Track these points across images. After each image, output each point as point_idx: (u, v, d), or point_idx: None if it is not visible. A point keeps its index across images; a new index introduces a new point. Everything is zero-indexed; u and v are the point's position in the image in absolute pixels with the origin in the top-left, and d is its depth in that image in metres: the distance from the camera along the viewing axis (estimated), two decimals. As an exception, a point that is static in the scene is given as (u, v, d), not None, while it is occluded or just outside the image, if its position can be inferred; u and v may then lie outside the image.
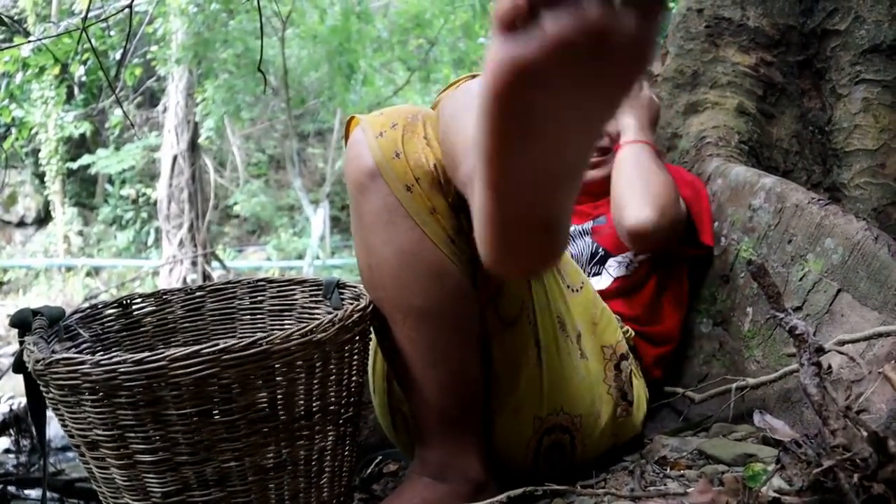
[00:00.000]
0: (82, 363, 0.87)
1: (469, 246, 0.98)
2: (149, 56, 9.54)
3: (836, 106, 1.71)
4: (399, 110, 1.02)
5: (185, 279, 9.95)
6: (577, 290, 1.19)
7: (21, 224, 11.45)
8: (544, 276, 1.12)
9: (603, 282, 1.53)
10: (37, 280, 10.40)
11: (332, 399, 0.99)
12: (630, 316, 1.49)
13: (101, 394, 0.87)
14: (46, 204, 11.24)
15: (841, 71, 1.71)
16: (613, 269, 1.54)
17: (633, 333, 1.43)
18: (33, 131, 9.70)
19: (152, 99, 11.76)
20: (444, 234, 0.99)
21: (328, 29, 9.16)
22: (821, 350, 0.88)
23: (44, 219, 11.39)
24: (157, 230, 11.03)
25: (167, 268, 9.73)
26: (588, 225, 1.59)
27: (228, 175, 12.67)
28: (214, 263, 10.51)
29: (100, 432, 0.90)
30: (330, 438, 1.00)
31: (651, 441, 1.29)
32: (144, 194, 11.57)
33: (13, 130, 8.19)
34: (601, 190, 1.58)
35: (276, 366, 0.90)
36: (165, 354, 0.85)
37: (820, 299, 1.34)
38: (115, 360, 0.85)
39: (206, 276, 10.13)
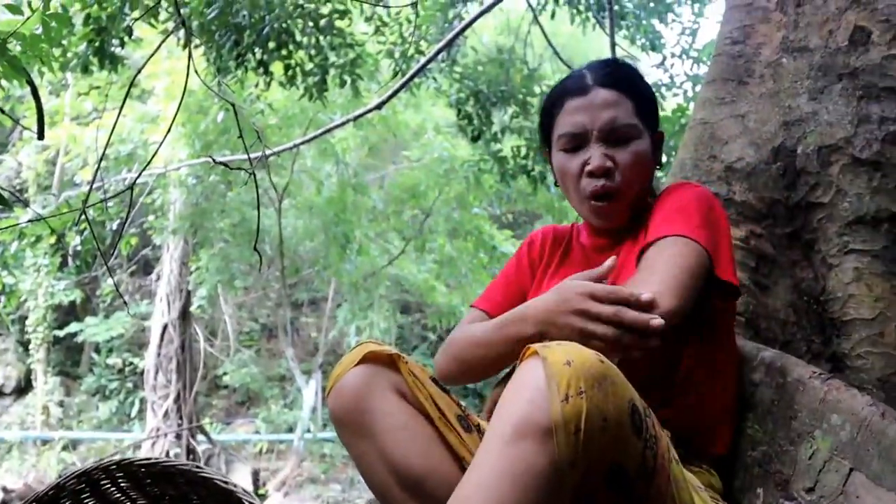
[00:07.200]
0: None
1: None
2: (145, 226, 9.72)
3: (829, 276, 1.69)
4: (589, 365, 0.92)
5: (167, 453, 9.58)
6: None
7: (-1, 394, 11.17)
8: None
9: None
10: (9, 454, 9.98)
11: None
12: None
13: None
14: (28, 373, 11.01)
15: (829, 242, 1.70)
16: None
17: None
18: (22, 298, 9.67)
19: (146, 267, 11.87)
20: None
21: (324, 200, 9.40)
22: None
23: (24, 388, 11.12)
24: (142, 401, 10.75)
25: (149, 441, 9.39)
26: None
27: (219, 344, 12.56)
28: (200, 437, 10.15)
29: None
30: None
31: None
32: (132, 363, 11.41)
33: (2, 298, 8.18)
34: None
35: None
36: None
37: (832, 479, 1.25)
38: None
39: (190, 451, 9.76)
